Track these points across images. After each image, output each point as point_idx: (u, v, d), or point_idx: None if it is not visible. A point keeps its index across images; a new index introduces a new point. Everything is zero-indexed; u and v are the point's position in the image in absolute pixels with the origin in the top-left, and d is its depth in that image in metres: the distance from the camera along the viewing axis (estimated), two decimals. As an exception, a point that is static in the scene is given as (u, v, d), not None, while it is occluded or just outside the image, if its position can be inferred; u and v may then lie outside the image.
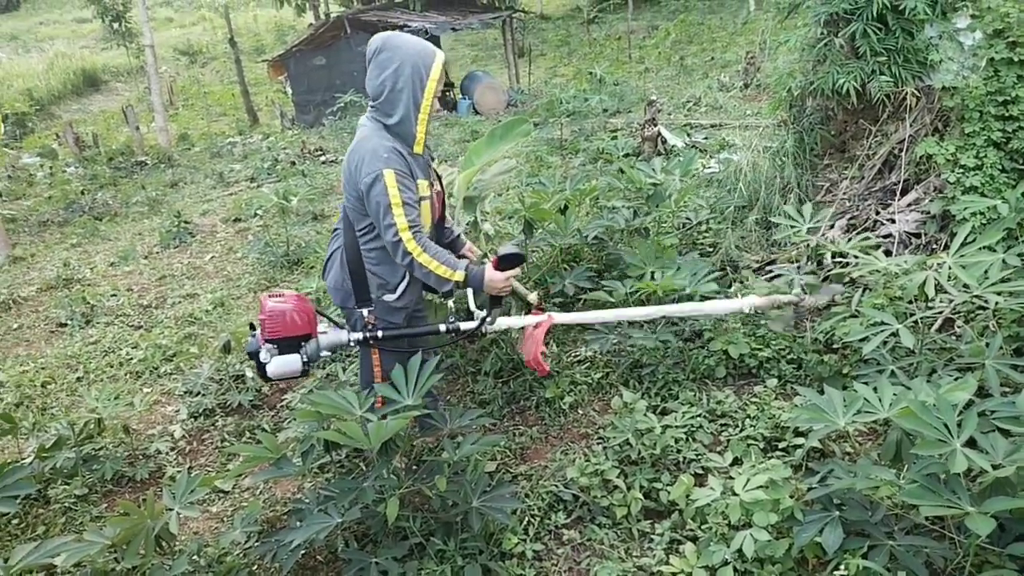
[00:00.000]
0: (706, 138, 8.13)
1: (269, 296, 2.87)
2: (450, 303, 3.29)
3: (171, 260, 7.41)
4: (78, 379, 4.81)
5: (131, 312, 5.96)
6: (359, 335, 2.94)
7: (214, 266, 7.06)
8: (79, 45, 30.18)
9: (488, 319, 2.99)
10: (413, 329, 3.05)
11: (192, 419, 4.14)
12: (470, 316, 3.08)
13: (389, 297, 2.95)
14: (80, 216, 9.61)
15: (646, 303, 3.99)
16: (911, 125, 4.19)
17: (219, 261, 7.20)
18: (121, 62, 25.58)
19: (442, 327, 2.99)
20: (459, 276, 2.79)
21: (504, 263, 2.79)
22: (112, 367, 4.92)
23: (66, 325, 5.79)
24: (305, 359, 2.86)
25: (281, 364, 2.83)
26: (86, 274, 7.14)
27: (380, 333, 2.95)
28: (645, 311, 3.28)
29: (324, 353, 2.94)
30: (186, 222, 8.30)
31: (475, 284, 2.85)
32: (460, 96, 14.96)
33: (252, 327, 2.92)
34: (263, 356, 2.82)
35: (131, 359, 4.99)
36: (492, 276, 2.82)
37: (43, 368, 4.98)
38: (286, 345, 2.83)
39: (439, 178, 3.10)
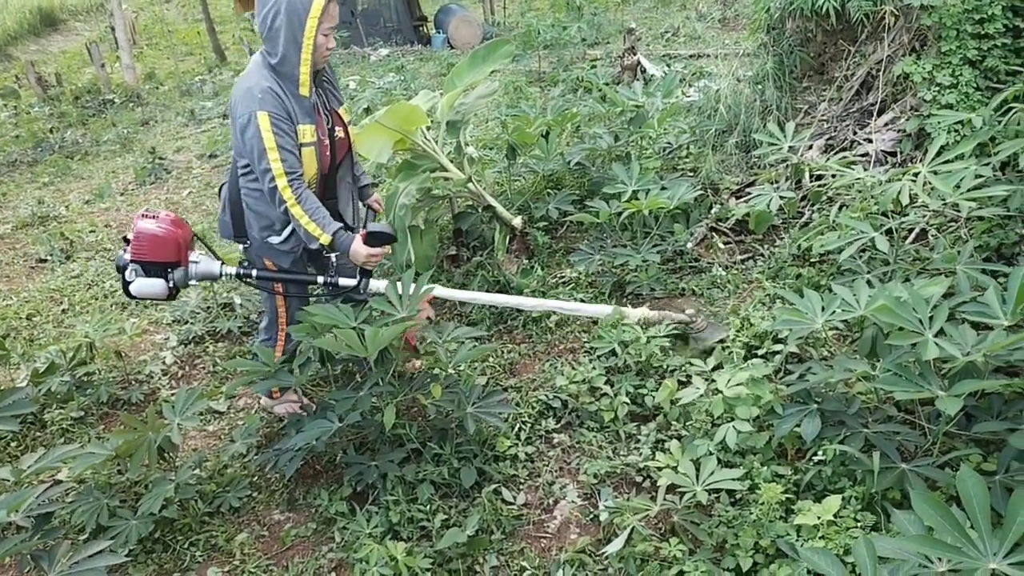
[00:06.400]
0: (685, 67, 8.11)
1: (142, 215, 2.84)
2: (333, 257, 3.17)
3: (148, 197, 7.32)
4: (63, 311, 4.81)
5: (111, 247, 5.92)
6: (233, 269, 2.94)
7: (192, 201, 6.99)
8: (34, -19, 28.87)
9: (363, 283, 2.98)
10: (289, 274, 3.01)
11: (182, 346, 4.19)
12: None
13: (274, 239, 2.91)
14: (50, 155, 9.40)
15: (630, 225, 4.07)
16: (889, 45, 4.23)
17: (197, 196, 7.12)
18: (79, 0, 24.63)
19: (320, 279, 2.96)
20: (326, 239, 2.75)
21: (372, 239, 2.76)
22: (97, 299, 4.92)
23: (46, 261, 5.74)
24: (171, 285, 2.85)
25: (144, 286, 2.83)
26: (61, 212, 7.04)
27: (255, 272, 2.95)
28: (532, 302, 3.37)
29: (193, 282, 2.94)
30: (160, 159, 8.17)
31: (341, 250, 2.80)
32: (434, 30, 14.65)
33: (126, 240, 2.88)
34: (128, 274, 2.83)
35: (116, 291, 4.98)
36: (357, 248, 2.77)
37: (27, 301, 4.97)
38: (151, 268, 2.82)
39: (344, 125, 3.00)
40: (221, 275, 2.94)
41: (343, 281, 2.96)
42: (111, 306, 4.80)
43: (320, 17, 2.63)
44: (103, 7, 19.73)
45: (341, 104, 3.01)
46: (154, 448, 2.71)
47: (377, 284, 3.01)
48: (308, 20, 2.61)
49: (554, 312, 3.48)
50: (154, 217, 2.84)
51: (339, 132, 2.94)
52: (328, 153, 2.90)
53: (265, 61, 2.72)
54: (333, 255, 2.92)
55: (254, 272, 2.95)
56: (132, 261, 2.81)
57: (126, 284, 2.84)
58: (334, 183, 3.01)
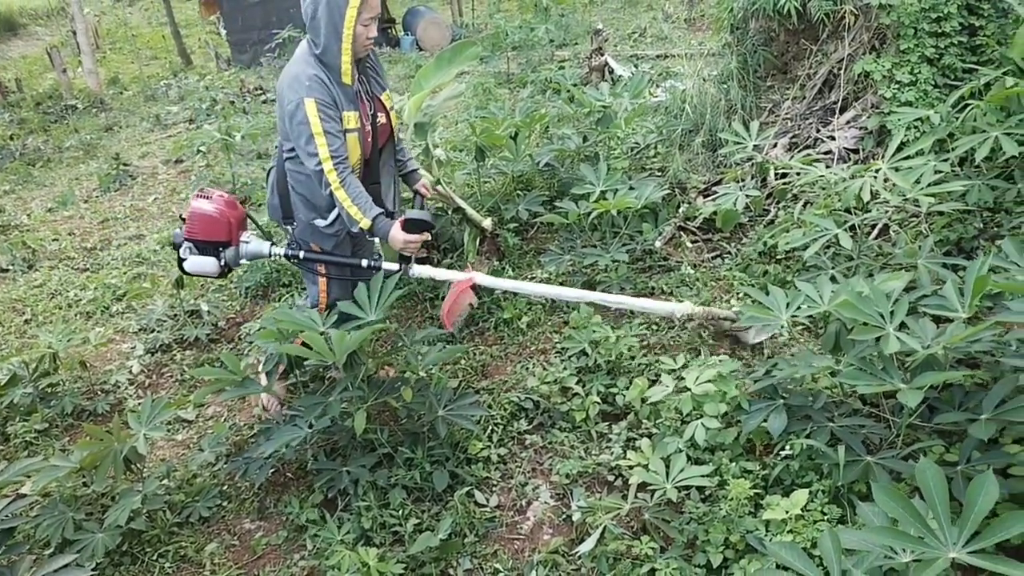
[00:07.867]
0: (652, 68, 8.16)
1: (198, 194, 2.97)
2: (376, 241, 3.22)
3: (112, 203, 7.20)
4: (26, 321, 4.71)
5: (75, 255, 5.82)
6: (281, 250, 3.02)
7: (158, 207, 6.90)
8: (-8, -15, 28.25)
9: (405, 269, 2.99)
10: (334, 256, 3.04)
11: (149, 355, 4.12)
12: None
13: (320, 222, 2.95)
14: (11, 162, 9.19)
15: (599, 225, 4.08)
16: (850, 44, 4.29)
17: (163, 202, 7.03)
18: (39, 4, 24.16)
19: (364, 262, 2.99)
20: (365, 223, 2.78)
21: (410, 226, 2.78)
22: (61, 308, 4.83)
23: (7, 270, 5.62)
24: (222, 263, 2.98)
25: (197, 263, 3.01)
26: (23, 220, 6.90)
27: (302, 254, 3.01)
28: (572, 293, 3.22)
29: (243, 261, 3.04)
30: (125, 165, 8.03)
31: (380, 235, 2.84)
32: (403, 32, 14.59)
33: (183, 219, 3.00)
34: (182, 252, 3.01)
35: (80, 300, 4.90)
36: (395, 234, 2.80)
37: (-12, 312, 4.87)
38: (203, 247, 2.97)
39: (387, 111, 3.03)
40: (270, 255, 3.05)
41: (386, 265, 3.00)
42: (75, 316, 4.72)
43: (359, 7, 2.67)
44: (64, 11, 19.36)
45: (384, 91, 3.04)
46: (120, 459, 2.67)
47: (419, 269, 3.04)
48: (348, 11, 2.66)
49: (595, 303, 3.23)
50: (208, 197, 2.99)
51: (381, 118, 2.99)
52: (370, 139, 2.95)
53: (311, 49, 2.77)
54: (376, 239, 2.99)
55: (301, 254, 3.02)
56: (186, 239, 2.97)
57: (180, 261, 3.01)
58: (377, 168, 3.06)
